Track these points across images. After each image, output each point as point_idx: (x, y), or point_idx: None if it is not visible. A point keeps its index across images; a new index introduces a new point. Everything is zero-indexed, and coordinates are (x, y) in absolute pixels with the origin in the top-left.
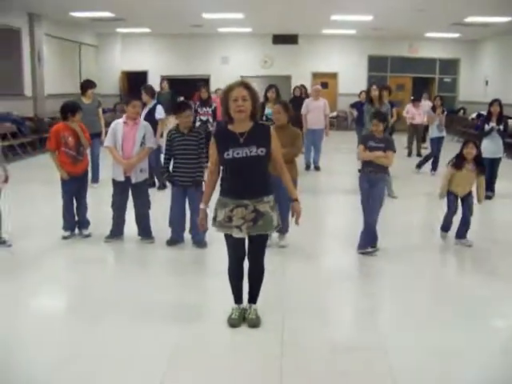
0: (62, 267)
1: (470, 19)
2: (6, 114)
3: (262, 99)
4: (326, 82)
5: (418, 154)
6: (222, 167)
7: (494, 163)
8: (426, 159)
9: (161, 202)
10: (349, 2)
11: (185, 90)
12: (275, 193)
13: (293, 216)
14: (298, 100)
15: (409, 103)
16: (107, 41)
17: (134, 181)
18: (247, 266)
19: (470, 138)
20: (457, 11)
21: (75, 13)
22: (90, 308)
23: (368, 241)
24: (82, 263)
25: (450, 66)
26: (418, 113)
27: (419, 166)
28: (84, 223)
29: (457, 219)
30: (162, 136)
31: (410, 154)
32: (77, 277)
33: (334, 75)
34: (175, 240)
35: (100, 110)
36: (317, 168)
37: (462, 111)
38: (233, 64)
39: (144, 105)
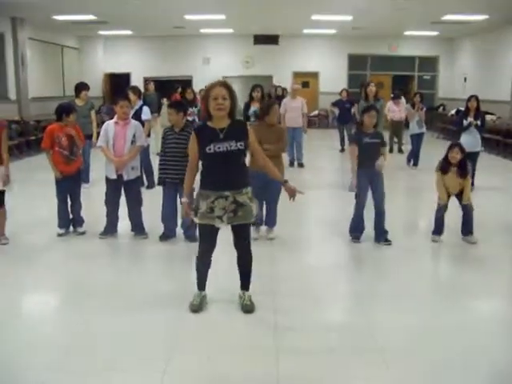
0: (58, 261)
1: (447, 17)
2: None
3: (246, 99)
4: (307, 81)
5: (400, 151)
6: (201, 162)
7: (473, 157)
8: (411, 154)
9: (151, 199)
10: (329, 2)
11: (168, 92)
12: (264, 190)
13: (290, 197)
14: (279, 99)
15: (389, 100)
16: (89, 43)
17: (125, 178)
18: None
19: (455, 142)
20: (435, 10)
21: (58, 16)
22: (87, 299)
23: (384, 231)
24: (78, 258)
25: (429, 63)
26: (398, 109)
27: (408, 161)
28: (78, 221)
29: (453, 218)
30: (148, 136)
31: (391, 151)
32: (73, 270)
33: (314, 74)
34: (168, 235)
35: (93, 112)
36: (300, 165)
37: (441, 108)
38: (215, 64)
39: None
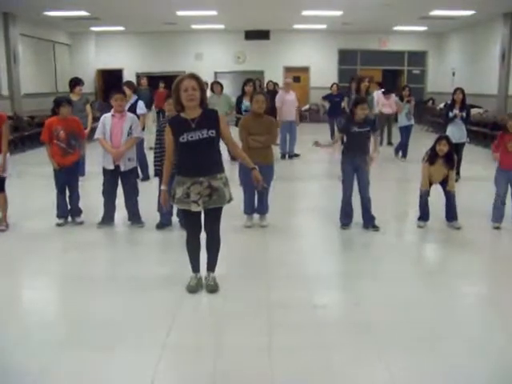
0: (58, 249)
1: (435, 12)
2: None
3: (239, 93)
4: (298, 75)
5: (389, 143)
6: (177, 151)
7: (459, 148)
8: (400, 146)
9: (147, 191)
10: None
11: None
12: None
13: (256, 184)
14: (271, 93)
15: (379, 93)
16: (81, 39)
17: (122, 169)
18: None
19: (443, 134)
20: (423, 5)
21: (49, 12)
22: (88, 283)
23: (372, 217)
24: (77, 246)
25: (419, 58)
26: (388, 103)
27: (396, 152)
28: (76, 211)
29: (438, 204)
30: (143, 129)
31: (381, 143)
32: (73, 257)
33: (305, 69)
34: (164, 224)
35: (88, 107)
36: (294, 156)
37: (430, 102)
38: (207, 60)
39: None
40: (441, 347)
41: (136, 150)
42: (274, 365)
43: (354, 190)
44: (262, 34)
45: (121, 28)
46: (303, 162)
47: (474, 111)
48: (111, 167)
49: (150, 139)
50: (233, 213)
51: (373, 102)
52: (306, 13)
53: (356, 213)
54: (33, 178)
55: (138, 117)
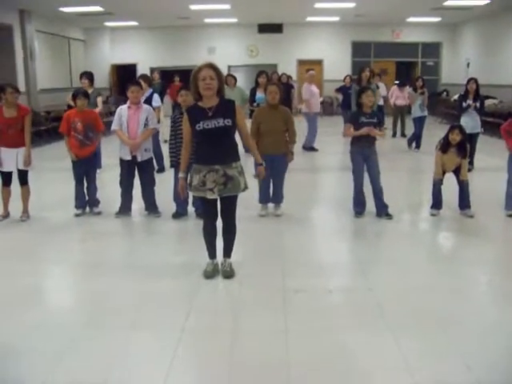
0: (77, 238)
1: (449, 3)
2: None
3: (253, 85)
4: (311, 68)
5: (403, 135)
6: (194, 140)
7: (473, 138)
8: (413, 137)
9: (163, 181)
10: None
11: (168, 82)
12: (269, 168)
13: (258, 177)
14: (284, 86)
15: (393, 85)
16: (95, 35)
17: (139, 159)
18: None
19: (456, 124)
20: None
21: (64, 8)
22: (108, 270)
23: (384, 205)
24: (96, 235)
25: (433, 49)
26: (402, 95)
27: (409, 144)
28: (94, 202)
29: (451, 193)
30: (158, 122)
31: (394, 135)
32: (92, 246)
33: (319, 62)
34: (180, 213)
35: (99, 100)
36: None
37: (444, 93)
38: (220, 54)
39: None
40: (453, 332)
41: (152, 141)
42: (289, 348)
43: (365, 179)
44: (275, 28)
45: (134, 23)
46: (318, 154)
47: (488, 102)
48: (128, 158)
49: (163, 132)
50: (248, 202)
51: (376, 93)
52: (318, 5)
53: (369, 202)
54: (50, 171)
55: (154, 109)
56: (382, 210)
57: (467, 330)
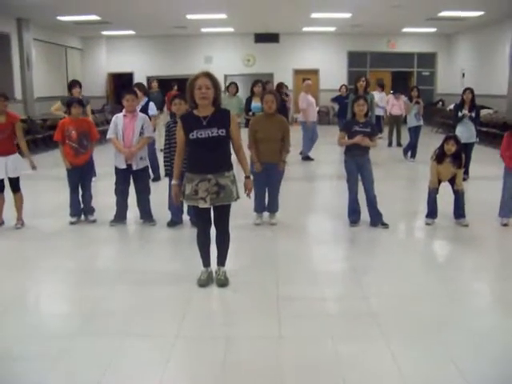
0: (71, 246)
1: (443, 14)
2: None
3: (249, 94)
4: (307, 78)
5: (398, 144)
6: (187, 148)
7: (468, 147)
8: (409, 147)
9: (158, 190)
10: (328, 0)
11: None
12: (265, 177)
13: (245, 191)
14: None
15: (389, 94)
16: (92, 44)
17: (134, 168)
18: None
19: (451, 134)
20: (430, 6)
21: (62, 17)
22: (102, 277)
23: (379, 214)
24: (90, 243)
25: (428, 59)
26: (398, 104)
27: (405, 153)
28: (89, 210)
29: (446, 202)
30: (154, 131)
31: (390, 144)
32: (86, 253)
33: (315, 71)
34: (175, 222)
35: (88, 107)
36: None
37: (440, 103)
38: (216, 63)
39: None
40: (447, 339)
41: (147, 150)
42: (283, 355)
43: (360, 188)
44: (271, 37)
45: (131, 32)
46: (314, 163)
47: (483, 112)
48: (123, 166)
49: (160, 140)
50: (243, 211)
51: (373, 102)
52: (315, 15)
53: (364, 211)
54: (45, 178)
55: (150, 118)
56: (377, 219)
57: (462, 338)
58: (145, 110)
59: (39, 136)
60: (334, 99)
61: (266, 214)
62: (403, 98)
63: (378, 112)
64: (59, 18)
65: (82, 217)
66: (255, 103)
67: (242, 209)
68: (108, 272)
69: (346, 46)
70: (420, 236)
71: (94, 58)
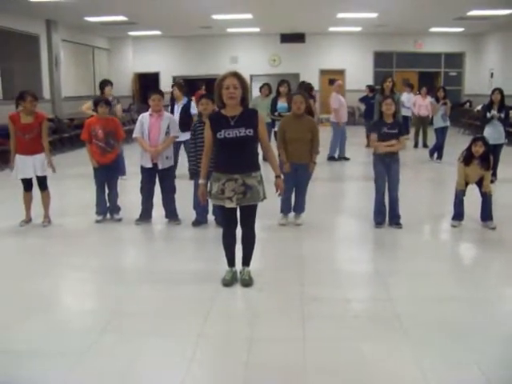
0: (97, 244)
1: (472, 13)
2: None
3: (274, 94)
4: (333, 78)
5: (425, 145)
6: (214, 147)
7: (496, 149)
8: (435, 148)
9: (184, 189)
10: (354, 0)
11: (193, 90)
12: (293, 177)
13: (276, 190)
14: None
15: (416, 94)
16: (119, 44)
17: (160, 167)
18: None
19: (479, 135)
20: (459, 5)
21: (90, 18)
22: (128, 275)
23: (396, 216)
24: (116, 241)
25: (455, 59)
26: (424, 104)
27: (431, 154)
28: (115, 208)
29: (473, 204)
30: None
31: (416, 145)
32: (112, 252)
33: (341, 72)
34: (199, 221)
35: (119, 107)
36: (343, 158)
37: (467, 104)
38: (242, 63)
39: (172, 100)
40: (473, 344)
41: (174, 149)
42: (306, 355)
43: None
44: (297, 37)
45: (157, 32)
46: (340, 163)
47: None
48: (149, 165)
49: None
50: (269, 211)
51: (399, 103)
52: (341, 15)
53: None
54: (72, 177)
55: (192, 117)
56: (393, 220)
57: (488, 344)
58: (187, 108)
59: (66, 135)
60: (362, 99)
61: (291, 214)
62: (429, 99)
63: (405, 113)
64: (87, 18)
65: (108, 215)
66: (281, 103)
67: (267, 209)
68: (133, 271)
69: (372, 46)
70: (446, 238)
71: (120, 58)
